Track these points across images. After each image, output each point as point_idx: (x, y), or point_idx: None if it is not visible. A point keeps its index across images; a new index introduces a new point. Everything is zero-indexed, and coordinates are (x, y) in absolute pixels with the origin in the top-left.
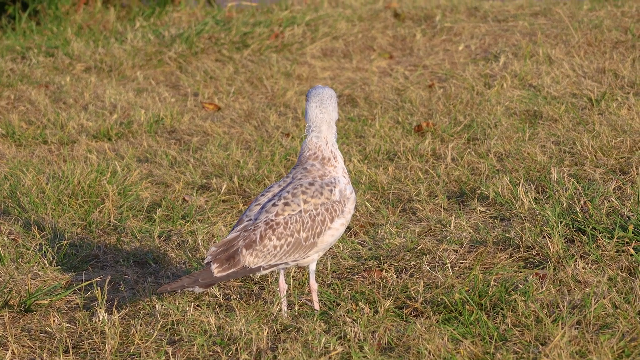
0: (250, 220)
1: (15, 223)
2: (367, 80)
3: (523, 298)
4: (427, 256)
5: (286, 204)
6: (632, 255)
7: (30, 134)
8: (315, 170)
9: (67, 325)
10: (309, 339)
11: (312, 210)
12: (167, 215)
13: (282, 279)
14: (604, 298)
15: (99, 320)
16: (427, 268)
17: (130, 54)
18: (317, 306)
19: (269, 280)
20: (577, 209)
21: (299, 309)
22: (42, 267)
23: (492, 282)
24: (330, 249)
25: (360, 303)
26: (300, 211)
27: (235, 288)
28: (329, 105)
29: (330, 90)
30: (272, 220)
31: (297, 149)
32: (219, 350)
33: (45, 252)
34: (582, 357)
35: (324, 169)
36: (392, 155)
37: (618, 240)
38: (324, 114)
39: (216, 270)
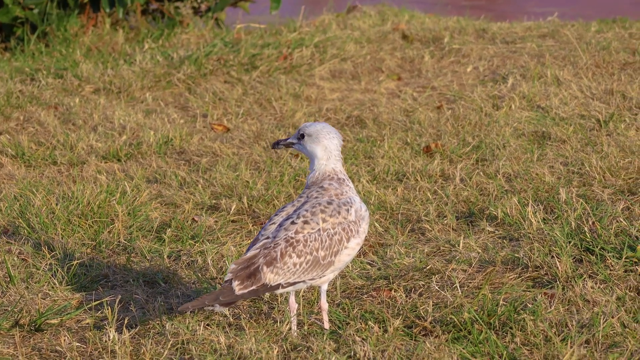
0: (268, 238)
1: (25, 243)
2: (375, 102)
3: (532, 317)
4: (436, 276)
5: (305, 222)
6: None
7: (39, 154)
8: (333, 189)
9: (77, 344)
10: (319, 358)
11: (330, 229)
12: (176, 236)
13: (292, 298)
14: (612, 317)
15: (109, 340)
16: (436, 287)
17: (139, 76)
18: (327, 325)
19: (279, 300)
20: (586, 229)
21: (308, 328)
22: (52, 287)
23: (501, 302)
24: None
25: (369, 322)
26: (319, 230)
27: (244, 307)
28: (338, 137)
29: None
30: (292, 238)
31: (306, 169)
32: None
33: (55, 272)
34: None
35: (341, 188)
36: (401, 176)
37: (626, 260)
38: (339, 145)
39: (237, 287)
